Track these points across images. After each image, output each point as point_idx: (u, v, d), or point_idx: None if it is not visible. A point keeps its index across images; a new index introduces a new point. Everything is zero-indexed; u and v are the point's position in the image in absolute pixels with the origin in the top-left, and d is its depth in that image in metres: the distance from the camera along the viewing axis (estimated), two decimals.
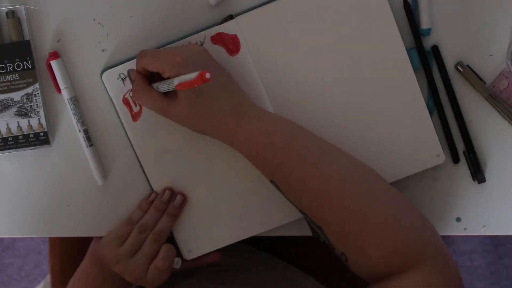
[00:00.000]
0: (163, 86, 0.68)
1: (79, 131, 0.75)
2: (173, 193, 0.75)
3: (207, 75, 0.59)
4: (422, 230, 0.65)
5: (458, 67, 0.75)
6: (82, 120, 0.75)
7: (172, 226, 0.75)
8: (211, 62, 0.69)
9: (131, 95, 0.74)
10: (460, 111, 0.76)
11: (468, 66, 0.75)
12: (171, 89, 0.66)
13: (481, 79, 0.75)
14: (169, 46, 0.73)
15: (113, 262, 0.73)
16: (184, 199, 0.75)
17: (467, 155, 0.76)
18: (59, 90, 0.75)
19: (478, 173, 0.76)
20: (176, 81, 0.63)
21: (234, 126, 0.68)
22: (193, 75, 0.60)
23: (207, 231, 0.76)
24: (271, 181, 0.69)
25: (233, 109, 0.67)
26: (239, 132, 0.68)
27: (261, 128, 0.68)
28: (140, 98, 0.71)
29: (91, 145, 0.76)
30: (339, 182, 0.65)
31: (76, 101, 0.75)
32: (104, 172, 0.77)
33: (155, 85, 0.70)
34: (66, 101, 0.75)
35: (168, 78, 0.67)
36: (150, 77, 0.72)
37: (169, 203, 0.75)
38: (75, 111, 0.75)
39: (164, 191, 0.75)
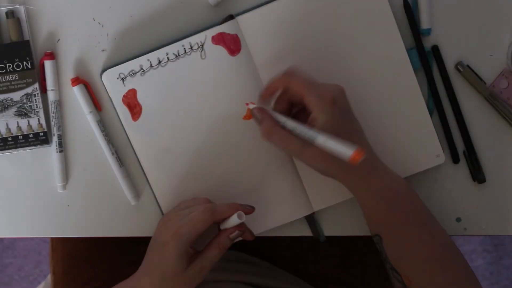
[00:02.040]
0: (299, 129, 0.65)
1: (53, 134, 0.75)
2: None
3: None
4: None
5: (458, 67, 0.75)
6: (59, 125, 0.75)
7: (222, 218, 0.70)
8: (349, 105, 0.68)
9: (260, 133, 0.68)
10: (460, 111, 0.76)
11: (468, 66, 0.75)
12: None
13: (481, 79, 0.75)
14: (315, 82, 0.68)
15: (167, 219, 0.70)
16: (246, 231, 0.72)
17: (467, 155, 0.76)
18: (45, 90, 0.75)
19: (478, 173, 0.76)
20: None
21: (366, 174, 0.67)
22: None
23: (206, 231, 0.76)
24: (375, 236, 0.69)
25: (368, 157, 0.66)
26: (369, 182, 0.67)
27: (388, 183, 0.68)
28: (272, 139, 0.67)
29: (61, 151, 0.75)
30: (445, 254, 0.68)
31: (58, 105, 0.75)
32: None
33: (282, 120, 0.67)
34: (49, 103, 0.75)
35: (309, 122, 0.65)
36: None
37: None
38: (55, 114, 0.75)
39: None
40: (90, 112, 0.75)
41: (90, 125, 0.75)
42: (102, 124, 0.75)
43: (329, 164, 0.67)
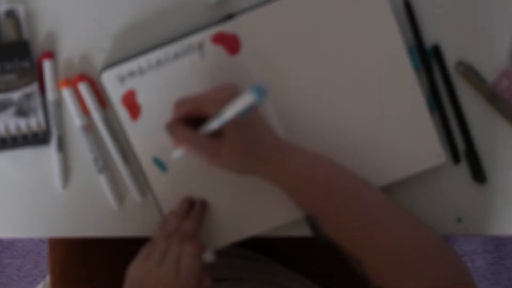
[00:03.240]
0: (210, 125, 0.65)
1: (53, 134, 0.75)
2: (192, 202, 0.74)
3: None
4: (460, 275, 0.65)
5: (459, 66, 0.75)
6: (58, 125, 0.75)
7: (197, 228, 0.73)
8: None
9: (175, 142, 0.69)
10: (460, 110, 0.75)
11: (469, 65, 0.75)
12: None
13: (481, 79, 0.75)
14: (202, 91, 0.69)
15: (147, 276, 0.68)
16: (204, 203, 0.75)
17: (467, 155, 0.76)
18: (44, 89, 0.74)
19: (479, 173, 0.76)
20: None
21: (281, 158, 0.67)
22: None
23: (206, 230, 0.76)
24: (308, 217, 0.69)
25: (278, 141, 0.67)
26: (286, 166, 0.67)
27: (304, 161, 0.68)
28: (187, 143, 0.67)
29: (60, 151, 0.75)
30: (382, 217, 0.66)
31: (57, 105, 0.75)
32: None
33: (200, 128, 0.67)
34: (48, 103, 0.74)
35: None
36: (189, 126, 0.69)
37: (191, 211, 0.74)
38: (54, 114, 0.74)
39: (183, 201, 0.74)
40: (96, 109, 0.74)
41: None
42: (107, 121, 0.75)
43: (245, 159, 0.67)
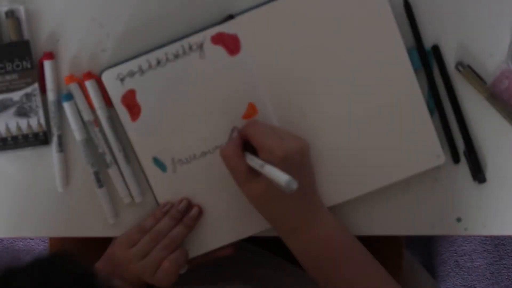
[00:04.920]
0: (253, 161, 0.68)
1: (53, 134, 0.75)
2: (189, 204, 0.75)
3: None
4: None
5: (459, 67, 0.75)
6: (59, 125, 0.75)
7: (186, 236, 0.75)
8: (305, 163, 0.71)
9: (220, 148, 0.73)
10: (460, 111, 0.75)
11: (468, 66, 0.75)
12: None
13: (481, 79, 0.75)
14: (278, 129, 0.72)
15: (124, 261, 0.74)
16: (200, 211, 0.75)
17: (467, 155, 0.76)
18: (44, 90, 0.74)
19: (478, 173, 0.76)
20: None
21: (298, 226, 0.70)
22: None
23: (205, 230, 0.76)
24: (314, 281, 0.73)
25: (303, 211, 0.70)
26: (299, 235, 0.70)
27: (321, 234, 0.71)
28: (228, 160, 0.71)
29: (61, 151, 0.75)
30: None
31: (58, 105, 0.75)
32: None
33: (248, 154, 0.70)
34: (49, 103, 0.74)
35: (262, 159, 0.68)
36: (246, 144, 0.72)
37: (185, 214, 0.75)
38: (54, 114, 0.74)
39: (181, 201, 0.75)
40: (100, 107, 0.74)
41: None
42: (111, 120, 0.75)
43: (265, 205, 0.70)
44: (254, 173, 0.69)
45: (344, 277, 0.71)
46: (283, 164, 0.67)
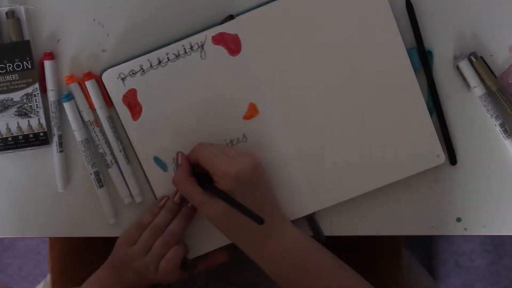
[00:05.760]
0: (211, 190, 0.69)
1: (54, 134, 0.75)
2: None
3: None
4: None
5: (472, 57, 0.74)
6: (59, 125, 0.75)
7: (185, 228, 0.75)
8: (259, 179, 0.71)
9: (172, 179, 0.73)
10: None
11: (481, 57, 0.74)
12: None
13: (492, 72, 0.74)
14: (227, 148, 0.73)
15: (128, 260, 0.74)
16: None
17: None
18: (45, 90, 0.74)
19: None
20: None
21: (260, 241, 0.71)
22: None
23: (205, 230, 0.76)
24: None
25: (263, 226, 0.69)
26: (262, 251, 0.71)
27: (286, 246, 0.71)
28: (180, 187, 0.72)
29: (61, 151, 0.75)
30: None
31: (58, 105, 0.75)
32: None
33: (202, 179, 0.71)
34: (50, 103, 0.74)
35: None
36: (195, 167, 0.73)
37: (182, 205, 0.75)
38: (55, 114, 0.75)
39: (176, 192, 0.75)
40: (101, 107, 0.75)
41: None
42: (111, 120, 0.75)
43: (224, 226, 0.71)
44: (209, 194, 0.69)
45: (316, 287, 0.71)
46: (237, 183, 0.68)
